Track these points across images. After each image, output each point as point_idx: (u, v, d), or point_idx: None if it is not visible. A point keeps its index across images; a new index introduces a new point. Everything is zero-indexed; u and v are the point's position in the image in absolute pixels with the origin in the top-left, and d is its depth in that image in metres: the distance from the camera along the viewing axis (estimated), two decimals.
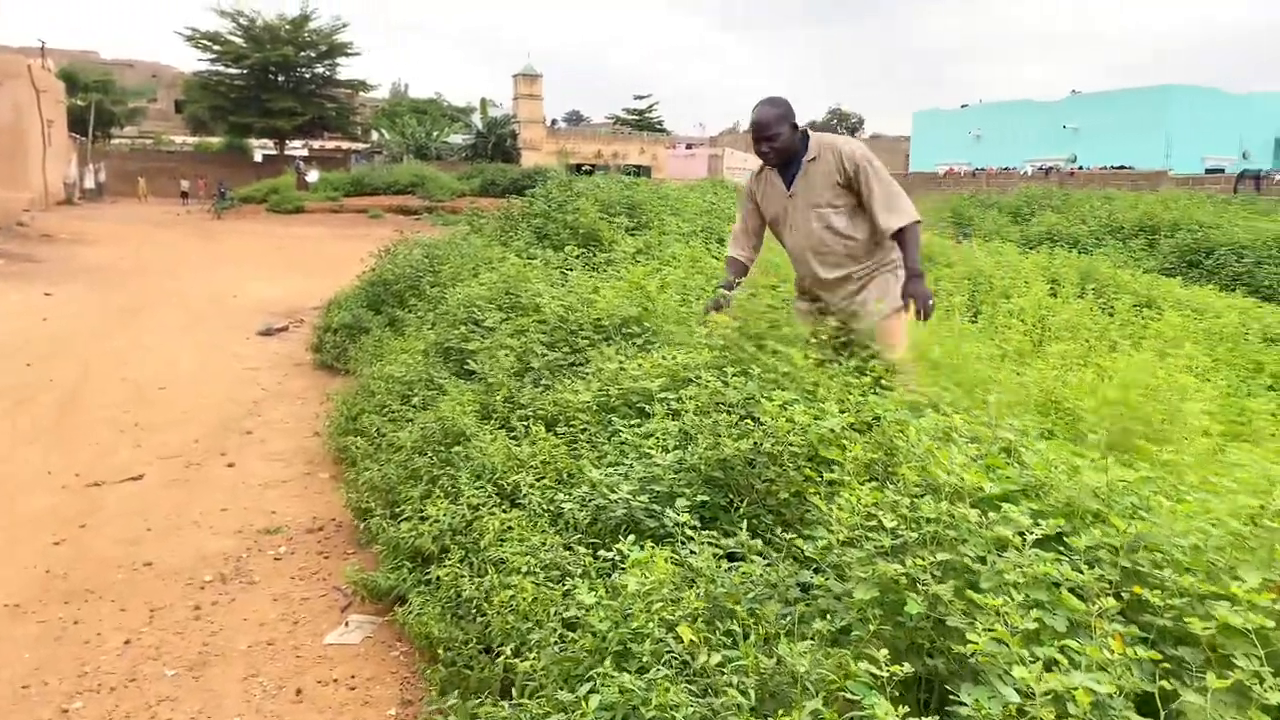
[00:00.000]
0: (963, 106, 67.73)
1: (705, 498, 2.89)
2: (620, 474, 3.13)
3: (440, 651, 3.02)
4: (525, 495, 3.36)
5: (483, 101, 57.58)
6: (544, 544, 2.97)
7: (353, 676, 3.32)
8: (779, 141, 3.93)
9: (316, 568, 4.30)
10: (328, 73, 51.45)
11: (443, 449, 4.15)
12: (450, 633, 3.04)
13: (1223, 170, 42.79)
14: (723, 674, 1.96)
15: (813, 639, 2.02)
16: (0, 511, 4.93)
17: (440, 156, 50.56)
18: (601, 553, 2.70)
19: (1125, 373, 4.75)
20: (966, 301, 7.89)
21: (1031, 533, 1.88)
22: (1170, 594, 1.79)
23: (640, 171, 38.07)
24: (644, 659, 2.13)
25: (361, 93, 54.90)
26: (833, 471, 2.61)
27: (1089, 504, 2.18)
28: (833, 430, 2.88)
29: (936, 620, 1.95)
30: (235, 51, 47.55)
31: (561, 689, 2.25)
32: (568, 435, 3.70)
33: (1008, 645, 1.65)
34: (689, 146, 68.47)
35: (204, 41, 47.40)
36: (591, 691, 2.06)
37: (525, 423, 3.97)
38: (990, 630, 1.73)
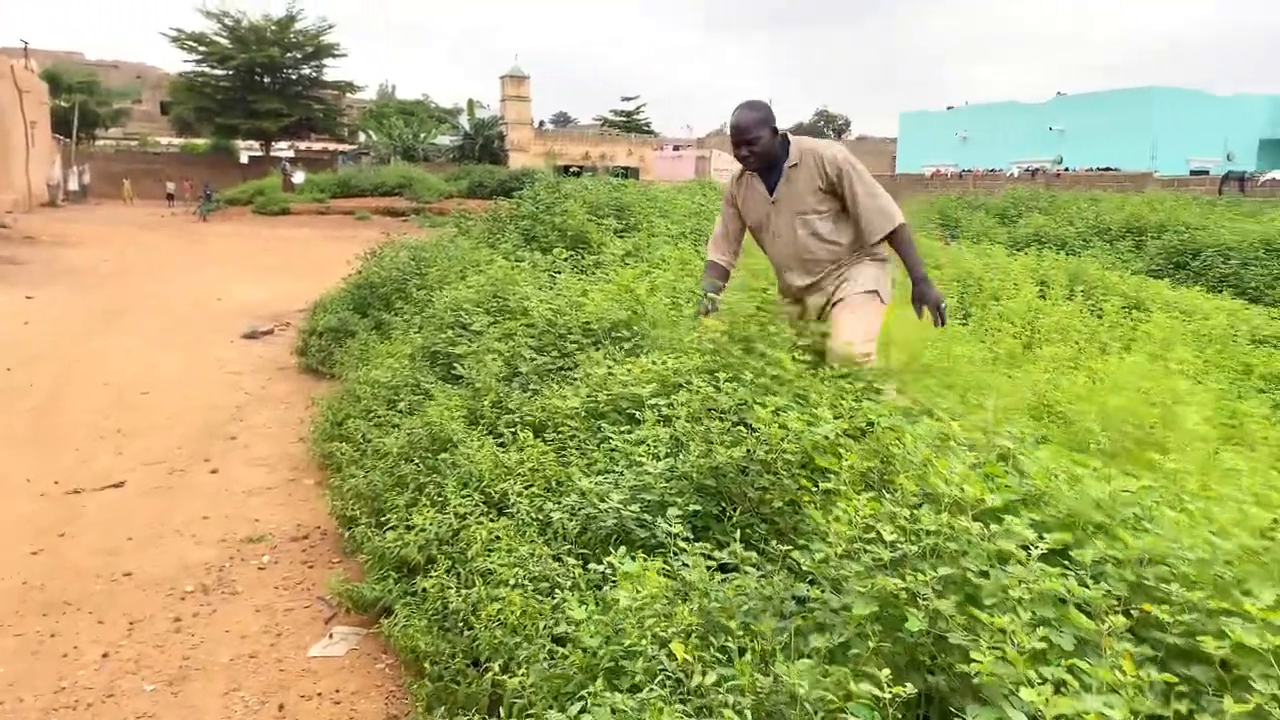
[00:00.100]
0: (949, 108, 67.95)
1: (697, 507, 2.83)
2: (610, 482, 3.07)
3: (427, 665, 2.95)
4: (513, 504, 3.30)
5: (470, 103, 57.41)
6: (533, 555, 2.90)
7: (337, 690, 3.25)
8: (759, 145, 3.84)
9: (301, 577, 4.22)
10: (314, 74, 51.20)
11: (429, 456, 4.08)
12: (437, 646, 2.97)
13: (1207, 172, 43.05)
14: (719, 694, 1.89)
15: (811, 656, 1.96)
16: None
17: (427, 158, 50.43)
18: (592, 565, 2.63)
19: (1118, 376, 4.73)
20: (956, 304, 7.86)
21: (1036, 547, 1.82)
22: (1179, 609, 1.74)
23: (628, 173, 38.06)
24: (637, 677, 2.07)
25: (348, 94, 54.66)
26: (828, 480, 2.56)
27: (1092, 515, 2.13)
28: (827, 437, 2.82)
29: (938, 636, 1.89)
30: (221, 52, 47.27)
31: (551, 708, 2.18)
32: (556, 442, 3.63)
33: (1014, 665, 1.60)
34: (676, 148, 68.41)
35: (189, 42, 47.10)
36: (583, 711, 2.00)
37: (513, 429, 3.90)
38: (995, 648, 1.68)
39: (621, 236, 7.81)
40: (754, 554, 2.41)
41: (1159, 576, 1.84)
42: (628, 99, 78.51)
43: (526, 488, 3.36)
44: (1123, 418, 3.65)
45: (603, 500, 2.92)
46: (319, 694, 3.23)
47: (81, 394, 7.58)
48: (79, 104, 46.17)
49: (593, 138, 62.81)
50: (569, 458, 3.48)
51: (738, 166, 4.09)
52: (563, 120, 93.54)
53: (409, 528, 3.58)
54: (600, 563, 2.58)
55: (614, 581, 2.45)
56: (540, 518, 3.17)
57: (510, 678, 2.43)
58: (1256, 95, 55.20)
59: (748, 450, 2.86)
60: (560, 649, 2.41)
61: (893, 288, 4.02)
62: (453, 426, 4.12)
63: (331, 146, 56.06)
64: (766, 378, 3.35)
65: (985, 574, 1.88)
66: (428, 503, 3.68)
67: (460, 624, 2.95)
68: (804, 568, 2.21)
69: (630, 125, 74.33)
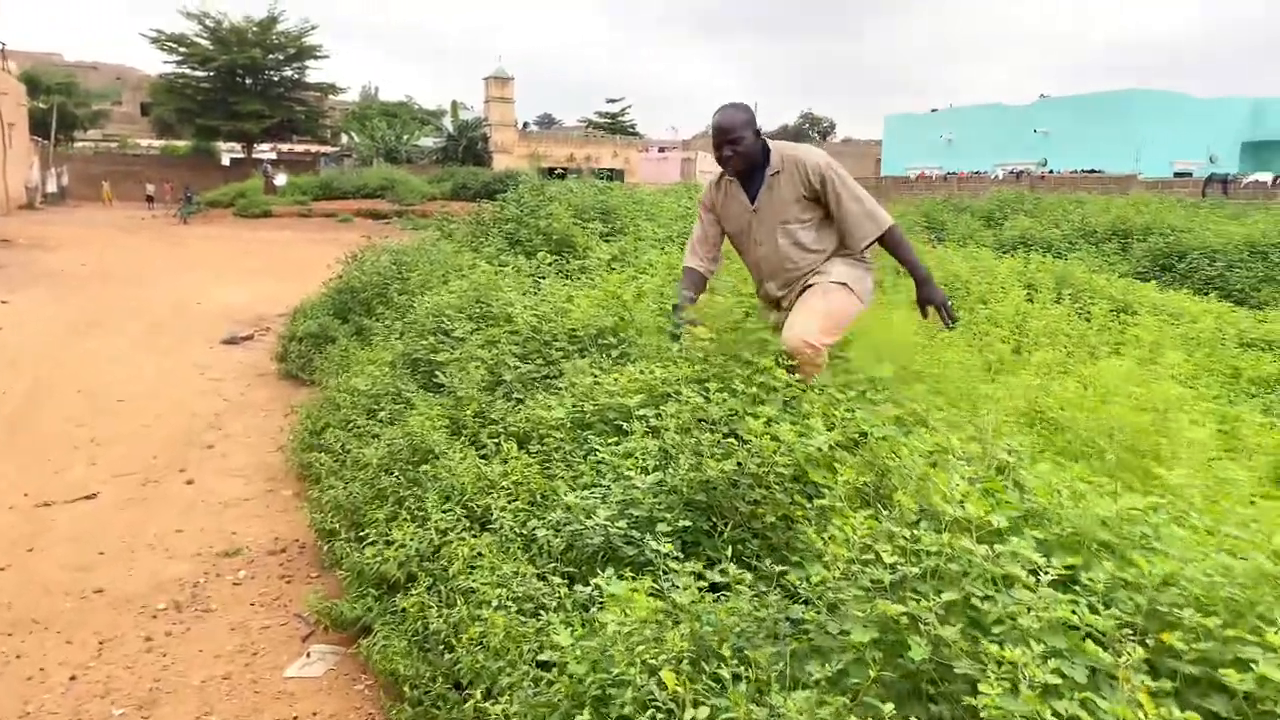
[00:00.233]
0: (933, 110, 68.16)
1: (687, 522, 2.74)
2: (597, 497, 2.96)
3: (407, 689, 2.84)
4: (496, 519, 3.19)
5: (454, 104, 57.19)
6: (516, 573, 2.80)
7: (314, 714, 3.13)
8: (743, 145, 3.67)
9: (278, 593, 4.10)
10: (296, 75, 51.01)
11: (410, 468, 3.96)
12: (417, 668, 2.87)
13: (1191, 174, 43.31)
14: None
15: (808, 685, 1.87)
16: None
17: (411, 160, 50.23)
18: (578, 587, 2.52)
19: (1110, 382, 4.66)
20: None
21: (1045, 571, 1.73)
22: (1193, 637, 1.66)
23: (613, 175, 37.94)
24: (626, 708, 1.97)
25: (331, 95, 54.46)
26: (822, 496, 2.47)
27: (1097, 533, 2.04)
28: (820, 449, 2.73)
29: (941, 665, 1.81)
30: (202, 54, 47.01)
31: None
32: (541, 454, 3.53)
33: (1025, 701, 1.51)
34: (662, 150, 68.38)
35: (170, 43, 46.84)
36: None
37: (496, 440, 3.79)
38: (1004, 678, 1.59)
39: (607, 240, 7.71)
40: (747, 574, 2.31)
41: (1172, 602, 1.75)
42: (613, 100, 78.49)
43: (510, 502, 3.26)
44: (1118, 426, 3.58)
45: (589, 516, 2.82)
46: (295, 718, 3.12)
47: (55, 402, 7.42)
48: (57, 105, 45.77)
49: (577, 139, 62.73)
50: (554, 470, 3.38)
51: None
52: (547, 122, 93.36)
53: (389, 543, 3.48)
54: (587, 584, 2.48)
55: (601, 603, 2.36)
56: (524, 533, 3.06)
57: (493, 704, 2.33)
58: (1237, 98, 55.62)
59: (738, 463, 2.77)
60: (545, 674, 2.31)
61: (874, 291, 3.92)
62: (434, 437, 4.01)
63: (314, 148, 55.81)
64: (755, 386, 3.25)
65: (991, 599, 1.80)
66: (408, 517, 3.57)
67: (441, 646, 2.84)
68: (801, 591, 2.11)
69: (615, 127, 74.25)
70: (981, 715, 1.61)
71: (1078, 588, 1.80)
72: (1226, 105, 54.66)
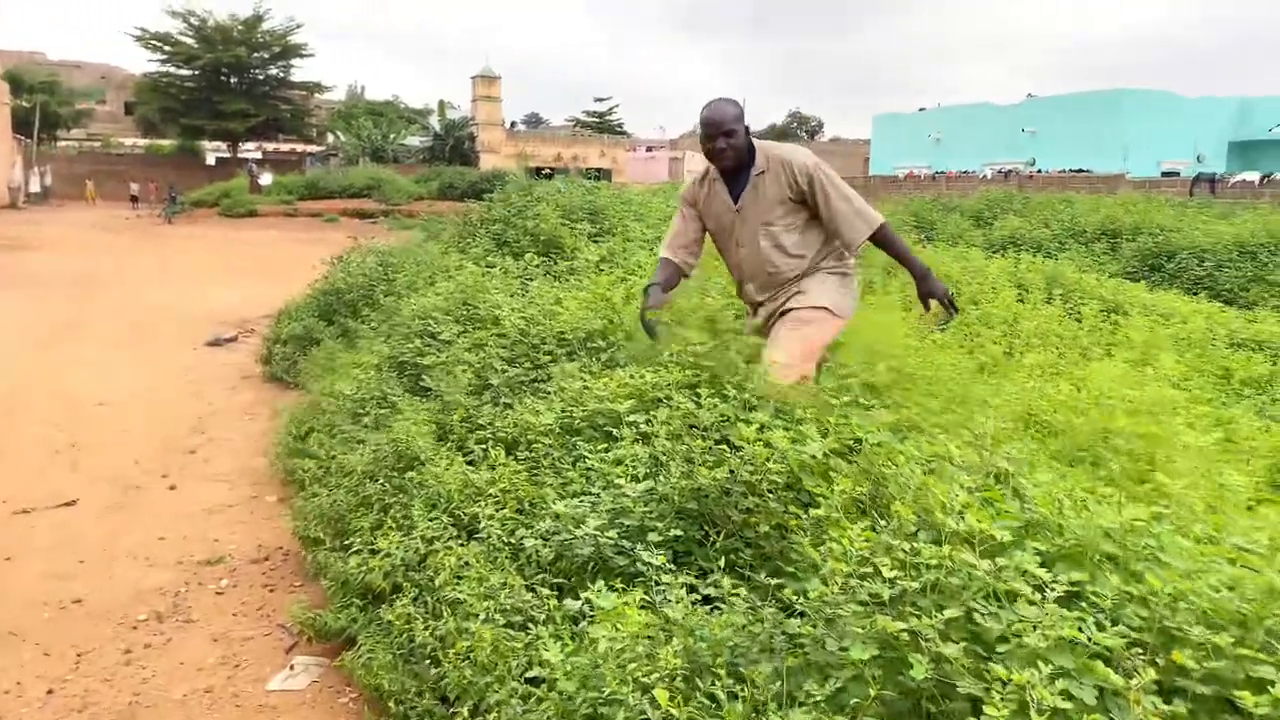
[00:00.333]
0: (920, 110, 68.29)
1: (679, 531, 2.68)
2: (587, 505, 2.90)
3: (391, 704, 2.77)
4: (484, 528, 3.11)
5: (440, 103, 57.03)
6: (504, 584, 2.73)
7: None
8: (736, 139, 3.56)
9: (261, 602, 4.01)
10: (282, 74, 50.79)
11: (395, 474, 3.88)
12: (402, 683, 2.79)
13: (1178, 173, 43.48)
14: None
15: (805, 704, 1.81)
16: None
17: (397, 159, 50.04)
18: (568, 601, 2.45)
19: (1104, 385, 4.61)
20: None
21: (1051, 587, 1.67)
22: (1204, 654, 1.60)
23: (601, 174, 37.89)
24: None
25: (317, 94, 54.26)
26: (817, 505, 2.41)
27: (1101, 545, 1.99)
28: (814, 456, 2.67)
29: (943, 683, 1.75)
30: (186, 52, 46.74)
31: None
32: (529, 460, 3.46)
33: None
34: (649, 149, 68.32)
35: (154, 42, 46.55)
36: None
37: (484, 446, 3.72)
38: (1009, 699, 1.53)
39: (596, 241, 7.63)
40: (741, 588, 2.25)
41: (1181, 618, 1.69)
42: (600, 99, 78.47)
43: (498, 510, 3.18)
44: (1114, 430, 3.53)
45: (579, 525, 2.75)
46: None
47: (34, 406, 7.30)
48: (40, 104, 45.44)
49: (565, 139, 62.60)
50: (543, 478, 3.31)
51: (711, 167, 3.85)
52: (534, 121, 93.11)
53: (374, 552, 3.39)
54: (577, 596, 2.42)
55: (591, 617, 2.29)
56: (512, 542, 2.99)
57: None
58: (1224, 97, 55.88)
59: (731, 470, 2.71)
60: (535, 690, 2.24)
61: (858, 297, 3.85)
62: (420, 443, 3.93)
63: (299, 148, 55.58)
64: (747, 392, 3.19)
65: (995, 615, 1.74)
66: (393, 525, 3.49)
67: (427, 659, 2.77)
68: (798, 605, 2.05)
69: (602, 126, 74.20)
70: None
71: (1083, 604, 1.74)
72: (1213, 105, 54.91)
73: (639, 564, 2.52)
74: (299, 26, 48.69)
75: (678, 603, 2.19)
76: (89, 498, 5.29)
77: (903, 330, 4.94)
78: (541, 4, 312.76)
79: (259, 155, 52.28)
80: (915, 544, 1.96)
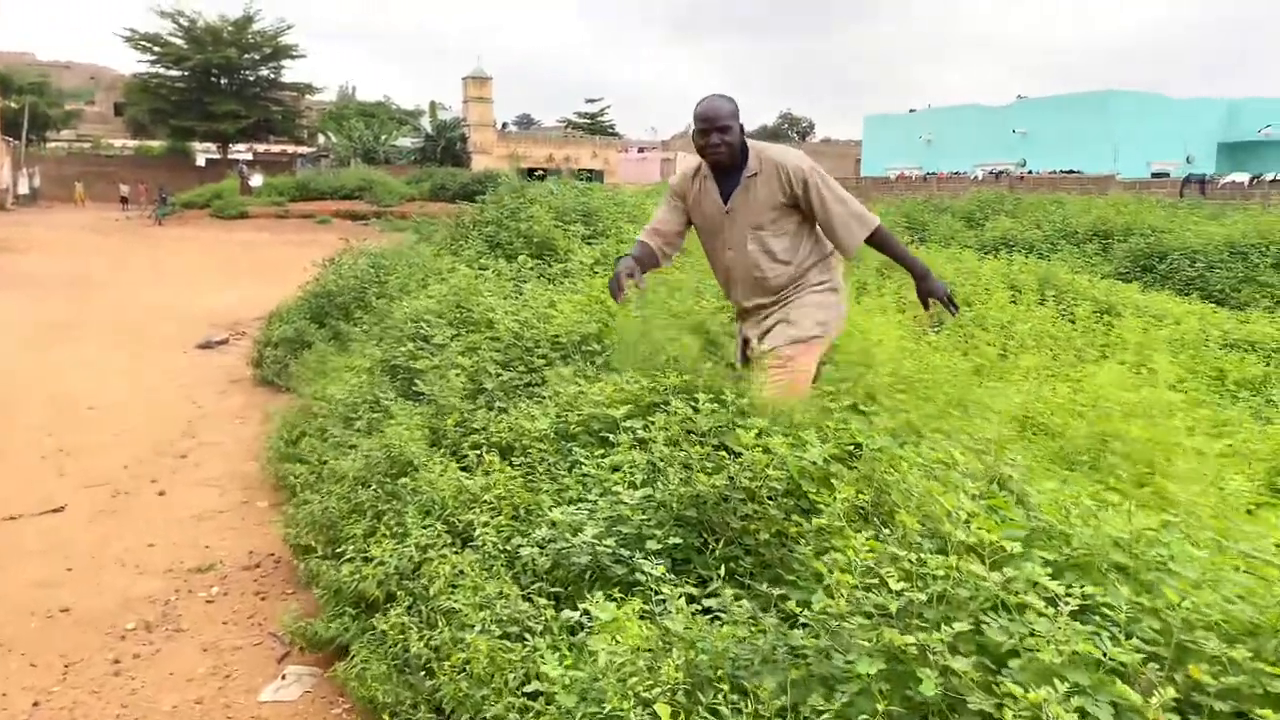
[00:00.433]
0: (911, 111, 68.34)
1: (677, 539, 2.63)
2: (584, 512, 2.85)
3: (386, 717, 2.72)
4: (479, 535, 3.07)
5: (432, 104, 56.95)
6: (500, 594, 2.68)
7: None
8: (731, 135, 3.47)
9: (252, 610, 3.96)
10: (272, 75, 50.61)
11: (388, 480, 3.83)
12: (397, 694, 2.75)
13: (1168, 174, 43.58)
14: None
15: None
16: None
17: (388, 160, 49.91)
18: (566, 612, 2.41)
19: (1102, 388, 4.59)
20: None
21: (1065, 600, 1.63)
22: (1221, 669, 1.57)
23: (593, 175, 37.82)
24: None
25: (307, 95, 54.05)
26: (818, 512, 2.37)
27: (1110, 555, 1.95)
28: (814, 462, 2.63)
29: (953, 697, 1.71)
30: (176, 53, 46.54)
31: None
32: (524, 466, 3.41)
33: None
34: (641, 150, 68.27)
35: (144, 43, 46.31)
36: None
37: (478, 451, 3.67)
38: (1022, 716, 1.49)
39: (589, 243, 7.58)
40: (743, 599, 2.21)
41: (1198, 632, 1.65)
42: (591, 100, 78.39)
43: (493, 516, 3.14)
44: (1114, 434, 3.50)
45: (576, 533, 2.71)
46: None
47: (23, 410, 7.23)
48: (29, 105, 45.20)
49: (556, 139, 62.58)
50: (538, 484, 3.26)
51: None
52: (526, 122, 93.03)
53: (367, 560, 3.34)
54: (575, 607, 2.37)
55: (590, 628, 2.25)
56: (508, 550, 2.95)
57: None
58: (1214, 99, 56.06)
59: (730, 477, 2.67)
60: (533, 704, 2.20)
61: (845, 310, 3.79)
62: (413, 448, 3.88)
63: (290, 149, 55.38)
64: (745, 397, 3.15)
65: (1006, 629, 1.70)
66: (387, 532, 3.44)
67: (422, 671, 2.72)
68: (803, 618, 2.01)
69: (594, 127, 74.14)
70: None
71: (1096, 616, 1.70)
72: (1203, 106, 55.07)
73: (638, 573, 2.47)
74: (289, 27, 48.67)
75: (678, 613, 2.15)
76: (78, 503, 5.23)
77: (897, 333, 4.91)
78: (532, 6, 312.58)
79: (250, 156, 52.06)
80: (922, 554, 1.93)
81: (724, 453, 2.81)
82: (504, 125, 66.73)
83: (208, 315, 12.24)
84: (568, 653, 2.26)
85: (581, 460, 3.22)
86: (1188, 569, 1.88)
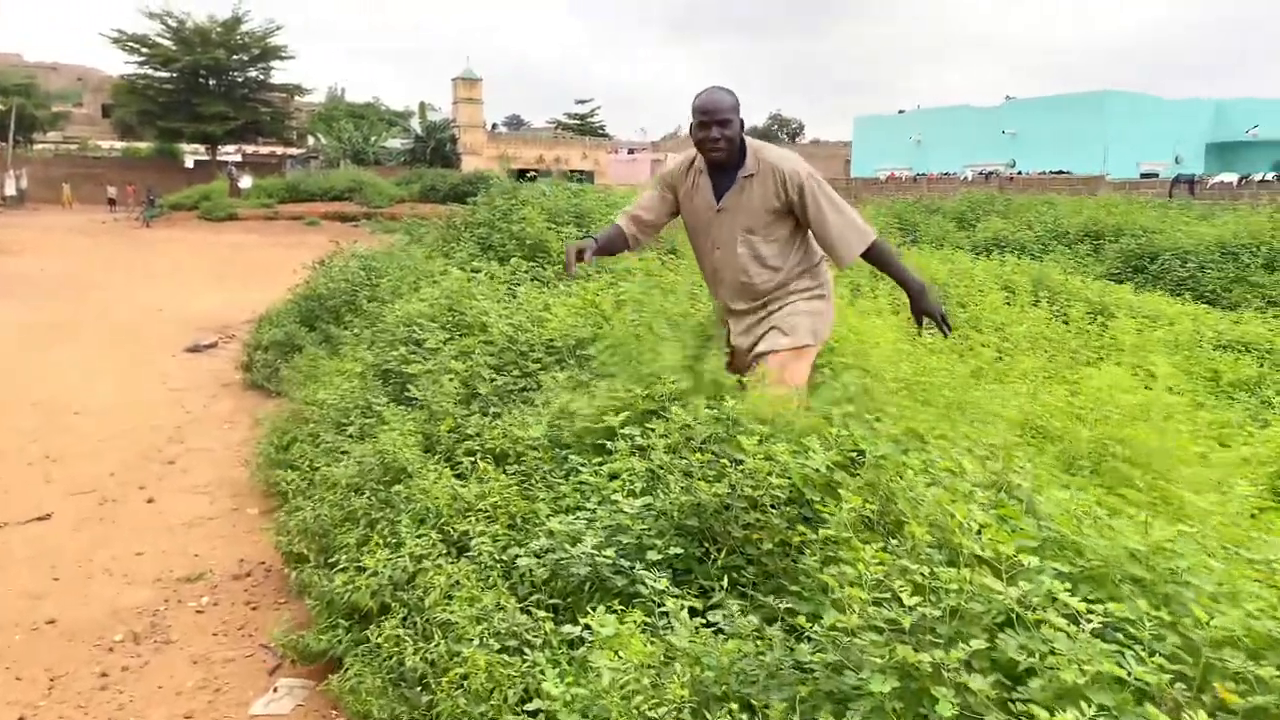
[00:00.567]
0: (900, 112, 68.46)
1: (678, 549, 2.58)
2: (583, 522, 2.79)
3: None
4: (475, 544, 3.00)
5: (421, 105, 56.71)
6: (497, 605, 2.62)
7: None
8: (731, 129, 3.37)
9: (243, 621, 3.88)
10: (261, 76, 50.35)
11: (381, 488, 3.76)
12: (392, 709, 2.68)
13: (1157, 175, 43.75)
14: None
15: None
16: None
17: (378, 161, 49.73)
18: (566, 627, 2.35)
19: (1104, 392, 4.55)
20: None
21: (1087, 617, 1.57)
22: (1247, 688, 1.52)
23: (583, 176, 37.77)
24: None
25: (297, 97, 53.78)
26: (823, 522, 2.31)
27: (1127, 567, 1.90)
28: (818, 470, 2.58)
29: (968, 716, 1.66)
30: (164, 54, 46.26)
31: None
32: (519, 473, 3.35)
33: None
34: (631, 151, 68.29)
35: (131, 44, 46.02)
36: None
37: (472, 458, 3.61)
38: None
39: None
40: (747, 611, 2.16)
41: (1226, 650, 1.60)
42: (581, 101, 78.33)
43: (489, 525, 3.08)
44: (1116, 439, 3.46)
45: (574, 543, 2.65)
46: None
47: (8, 415, 7.12)
48: (16, 107, 44.87)
49: (547, 140, 62.46)
50: (534, 492, 3.20)
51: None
52: (515, 123, 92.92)
53: (360, 569, 3.27)
54: (574, 620, 2.32)
55: (590, 641, 2.19)
56: (505, 560, 2.88)
57: None
58: (1203, 99, 56.34)
59: (731, 485, 2.62)
60: None
61: (833, 317, 3.74)
62: (407, 455, 3.81)
63: (279, 150, 55.15)
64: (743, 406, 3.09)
65: (1025, 648, 1.65)
66: (380, 541, 3.37)
67: (418, 685, 2.66)
68: (812, 634, 1.96)
69: (584, 128, 74.01)
70: None
71: (1118, 633, 1.65)
72: (1191, 107, 55.34)
73: (639, 585, 2.42)
74: (279, 29, 48.35)
75: (681, 627, 2.10)
76: (64, 511, 5.14)
77: (893, 336, 4.87)
78: (523, 7, 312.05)
79: (238, 158, 51.82)
80: (933, 567, 1.88)
81: (725, 460, 2.75)
82: (493, 126, 66.63)
83: (196, 317, 12.14)
84: (568, 668, 2.21)
85: (579, 468, 3.17)
86: (1205, 581, 1.83)
